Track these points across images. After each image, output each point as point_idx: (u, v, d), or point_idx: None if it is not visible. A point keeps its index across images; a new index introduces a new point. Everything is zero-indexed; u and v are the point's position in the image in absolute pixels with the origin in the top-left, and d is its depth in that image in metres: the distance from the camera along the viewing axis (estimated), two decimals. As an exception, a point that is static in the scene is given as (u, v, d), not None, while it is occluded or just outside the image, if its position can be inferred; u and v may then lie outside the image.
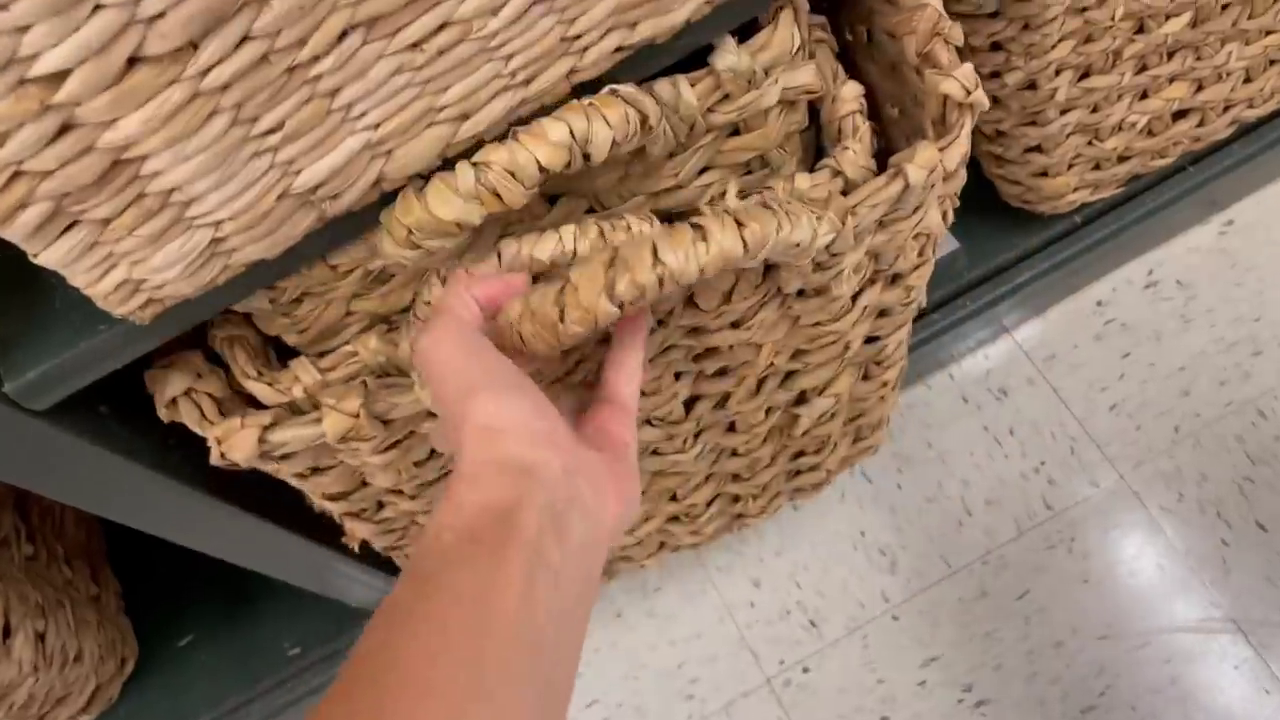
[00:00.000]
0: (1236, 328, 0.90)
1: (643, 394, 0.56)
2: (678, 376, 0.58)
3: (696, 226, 0.38)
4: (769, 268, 0.49)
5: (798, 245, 0.40)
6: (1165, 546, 0.84)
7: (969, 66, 0.43)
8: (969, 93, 0.42)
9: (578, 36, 0.37)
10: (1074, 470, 0.88)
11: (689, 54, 0.41)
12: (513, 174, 0.38)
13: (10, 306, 0.39)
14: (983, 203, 0.83)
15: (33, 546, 0.63)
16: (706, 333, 0.54)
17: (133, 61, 0.29)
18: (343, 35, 0.32)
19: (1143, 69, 0.69)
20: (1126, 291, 0.93)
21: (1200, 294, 0.92)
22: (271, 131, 0.34)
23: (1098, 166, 0.76)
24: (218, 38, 0.30)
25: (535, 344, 0.40)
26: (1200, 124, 0.76)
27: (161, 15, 0.28)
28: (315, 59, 0.32)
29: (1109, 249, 0.87)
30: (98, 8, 0.27)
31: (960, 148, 0.43)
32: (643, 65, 0.40)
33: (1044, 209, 0.80)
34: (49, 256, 0.34)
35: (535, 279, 0.43)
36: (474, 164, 0.38)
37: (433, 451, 0.53)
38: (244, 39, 0.31)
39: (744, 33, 0.42)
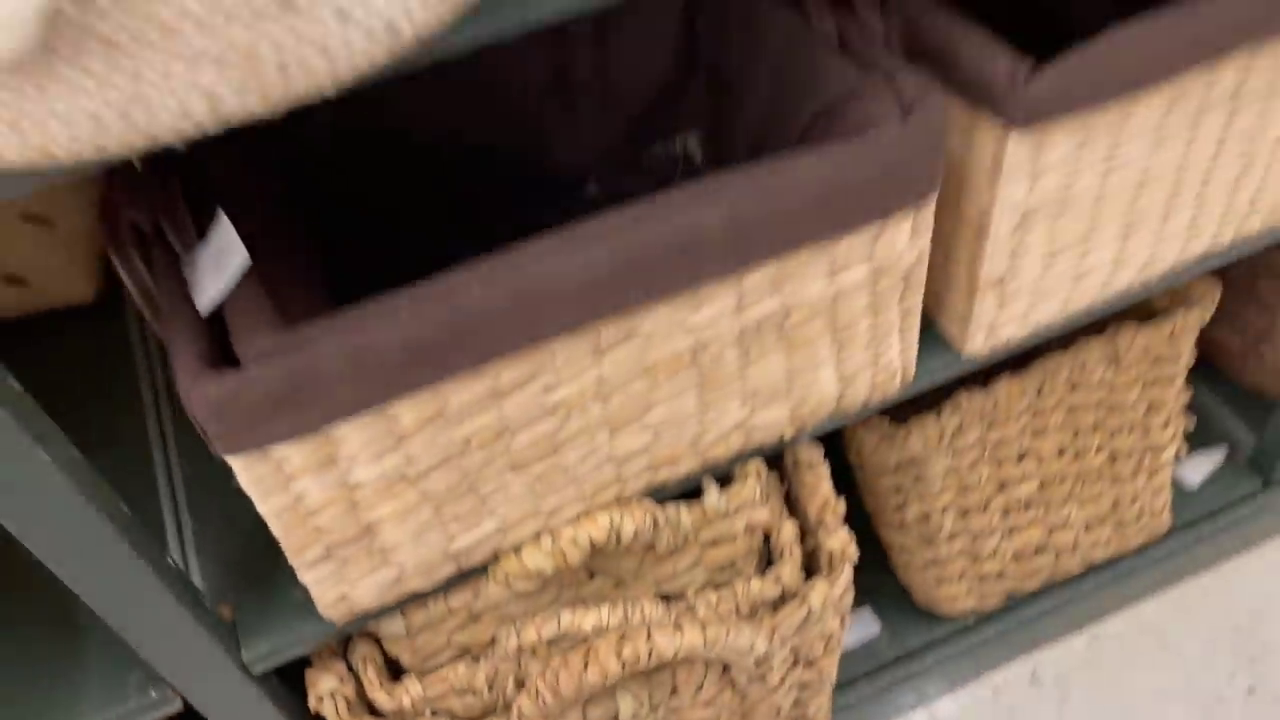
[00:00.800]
0: (1104, 722, 1.12)
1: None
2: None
3: (677, 624, 0.63)
4: (726, 667, 0.73)
5: (739, 649, 0.65)
6: None
7: (845, 531, 0.69)
8: (844, 550, 0.69)
9: (624, 478, 0.64)
10: (972, 833, 1.06)
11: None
12: (574, 542, 0.63)
13: (256, 596, 0.62)
14: (903, 597, 1.08)
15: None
16: (683, 711, 0.76)
17: (399, 479, 0.55)
18: (504, 475, 0.58)
19: (1007, 514, 0.96)
20: (1017, 682, 1.15)
21: (1074, 691, 1.14)
22: (448, 517, 0.59)
23: (981, 581, 1.01)
24: (441, 469, 0.56)
25: (564, 687, 0.64)
26: (1056, 559, 1.02)
27: (413, 442, 0.55)
28: (481, 484, 0.58)
29: (998, 647, 1.10)
30: (402, 446, 0.53)
31: (842, 584, 0.69)
32: (659, 491, 0.66)
33: (943, 611, 1.04)
34: (308, 576, 0.58)
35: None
36: (551, 534, 0.63)
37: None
38: (452, 470, 0.57)
39: (725, 476, 0.69)
